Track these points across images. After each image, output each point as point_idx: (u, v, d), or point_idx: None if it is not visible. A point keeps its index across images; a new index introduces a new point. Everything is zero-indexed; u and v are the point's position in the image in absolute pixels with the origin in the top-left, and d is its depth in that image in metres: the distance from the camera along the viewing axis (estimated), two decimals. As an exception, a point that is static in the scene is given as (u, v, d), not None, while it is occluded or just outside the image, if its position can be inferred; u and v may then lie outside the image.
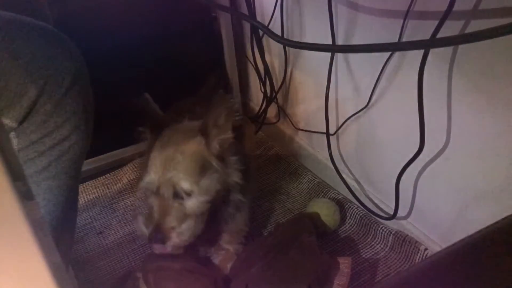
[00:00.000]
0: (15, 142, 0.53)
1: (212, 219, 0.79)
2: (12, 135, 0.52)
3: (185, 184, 0.70)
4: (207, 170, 0.72)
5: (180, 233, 0.70)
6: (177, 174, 0.70)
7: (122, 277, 0.84)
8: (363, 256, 0.87)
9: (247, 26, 1.19)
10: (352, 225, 0.95)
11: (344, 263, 0.76)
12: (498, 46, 0.58)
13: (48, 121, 0.54)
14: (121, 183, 1.14)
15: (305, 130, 1.12)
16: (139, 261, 0.89)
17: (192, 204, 0.71)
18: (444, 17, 0.59)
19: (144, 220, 0.72)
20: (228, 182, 0.75)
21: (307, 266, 0.73)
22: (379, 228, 0.90)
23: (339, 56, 0.89)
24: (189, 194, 0.70)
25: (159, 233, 0.69)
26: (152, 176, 0.72)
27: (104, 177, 1.16)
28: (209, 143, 0.73)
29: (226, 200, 0.79)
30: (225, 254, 0.83)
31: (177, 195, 0.70)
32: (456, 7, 0.58)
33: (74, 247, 0.89)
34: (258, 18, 1.11)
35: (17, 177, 0.20)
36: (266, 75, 1.14)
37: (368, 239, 0.91)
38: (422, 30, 0.68)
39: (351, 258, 0.78)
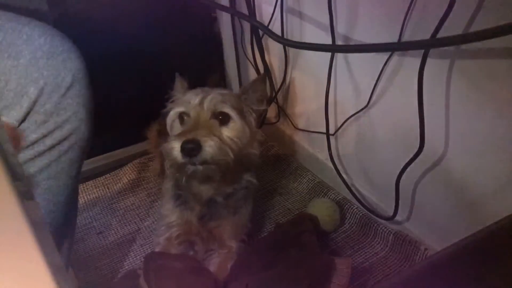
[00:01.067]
0: (15, 142, 0.53)
1: (224, 203, 0.80)
2: (12, 135, 0.52)
3: (226, 108, 0.72)
4: (242, 118, 0.76)
5: (214, 144, 0.67)
6: (221, 98, 0.72)
7: (122, 277, 0.84)
8: (363, 256, 0.87)
9: (247, 26, 1.19)
10: (352, 225, 0.95)
11: (344, 263, 0.76)
12: (498, 46, 0.58)
13: (48, 121, 0.54)
14: (121, 183, 1.14)
15: (305, 130, 1.12)
16: (139, 261, 0.89)
17: (227, 131, 0.73)
18: (444, 17, 0.60)
19: (176, 137, 0.70)
20: (250, 151, 0.78)
21: (307, 266, 0.73)
22: (379, 228, 0.90)
23: (339, 56, 0.89)
24: (227, 120, 0.72)
25: (191, 143, 0.67)
26: (192, 97, 0.73)
27: (104, 177, 1.16)
28: (247, 100, 0.79)
29: (239, 179, 0.81)
30: (226, 254, 0.83)
31: (215, 117, 0.72)
32: (456, 7, 0.58)
33: (74, 247, 0.89)
34: (258, 18, 1.11)
35: (17, 177, 0.20)
36: (266, 75, 1.14)
37: (368, 239, 0.91)
38: (422, 30, 0.68)
39: (351, 258, 0.78)
